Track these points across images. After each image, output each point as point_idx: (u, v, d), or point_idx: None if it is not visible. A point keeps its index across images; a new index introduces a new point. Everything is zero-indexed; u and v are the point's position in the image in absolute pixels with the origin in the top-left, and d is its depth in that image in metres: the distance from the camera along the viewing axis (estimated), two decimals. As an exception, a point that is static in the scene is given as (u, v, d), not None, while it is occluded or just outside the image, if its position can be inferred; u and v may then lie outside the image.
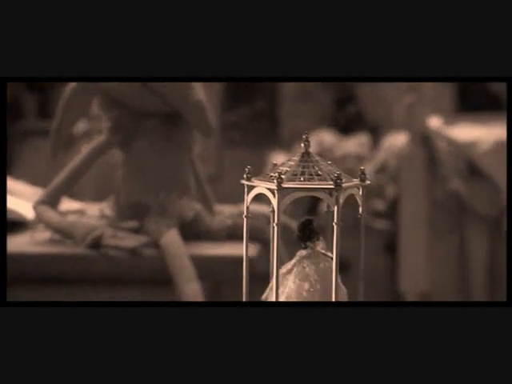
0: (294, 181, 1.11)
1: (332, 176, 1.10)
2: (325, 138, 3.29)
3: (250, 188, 1.15)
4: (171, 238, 1.76)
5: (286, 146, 3.38)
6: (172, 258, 1.73)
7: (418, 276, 2.89)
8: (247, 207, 1.17)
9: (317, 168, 1.12)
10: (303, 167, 1.13)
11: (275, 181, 1.10)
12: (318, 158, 1.14)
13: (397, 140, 3.12)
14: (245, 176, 1.15)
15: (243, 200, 1.14)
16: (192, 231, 1.86)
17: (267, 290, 1.17)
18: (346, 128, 3.43)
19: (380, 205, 3.09)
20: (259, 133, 3.87)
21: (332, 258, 1.12)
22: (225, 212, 1.92)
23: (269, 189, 1.11)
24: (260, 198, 1.15)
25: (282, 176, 1.10)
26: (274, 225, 1.12)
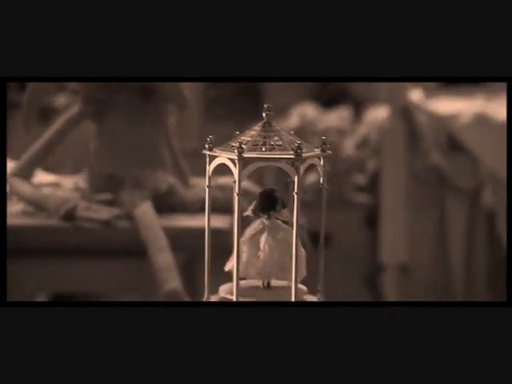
0: (255, 151, 1.12)
1: (293, 146, 1.11)
2: (307, 111, 3.30)
3: (212, 158, 1.16)
4: (144, 209, 1.77)
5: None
6: (145, 230, 1.74)
7: (397, 248, 2.91)
8: (209, 177, 1.17)
9: (277, 138, 1.13)
10: (264, 137, 1.13)
11: (236, 151, 1.11)
12: (279, 127, 1.15)
13: (378, 114, 3.13)
14: (206, 146, 1.15)
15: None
16: (167, 203, 1.87)
17: (229, 260, 1.18)
18: (328, 102, 3.43)
19: (361, 178, 3.10)
20: (243, 107, 3.87)
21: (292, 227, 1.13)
22: (200, 185, 1.93)
23: (230, 159, 1.12)
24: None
25: (243, 146, 1.11)
26: (235, 195, 1.13)
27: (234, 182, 1.13)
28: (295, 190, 1.11)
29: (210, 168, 1.16)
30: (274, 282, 1.17)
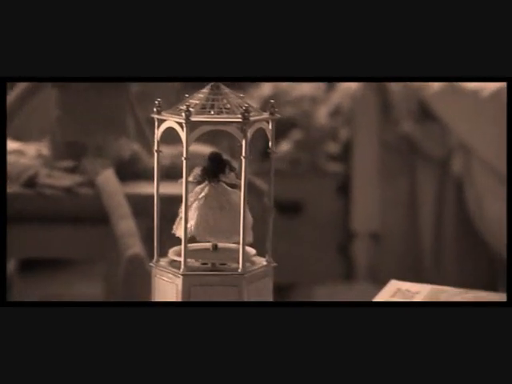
0: (204, 114, 1.12)
1: (241, 109, 1.11)
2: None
3: (161, 122, 1.15)
4: (107, 176, 1.77)
5: (243, 91, 3.38)
6: (107, 196, 1.75)
7: (369, 216, 2.92)
8: (158, 142, 1.18)
9: (226, 101, 1.13)
10: (213, 100, 1.13)
11: (183, 114, 1.10)
12: (227, 90, 1.14)
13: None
14: (155, 109, 1.15)
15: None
16: (130, 171, 1.87)
17: (177, 221, 1.19)
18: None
19: (334, 147, 3.10)
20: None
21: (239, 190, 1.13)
22: (164, 152, 1.92)
23: (178, 122, 1.12)
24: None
25: (191, 109, 1.11)
26: (183, 159, 1.13)
27: (182, 145, 1.13)
28: (243, 154, 1.11)
29: (158, 132, 1.16)
30: (222, 245, 1.18)
